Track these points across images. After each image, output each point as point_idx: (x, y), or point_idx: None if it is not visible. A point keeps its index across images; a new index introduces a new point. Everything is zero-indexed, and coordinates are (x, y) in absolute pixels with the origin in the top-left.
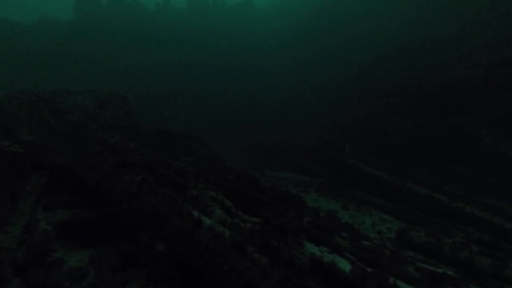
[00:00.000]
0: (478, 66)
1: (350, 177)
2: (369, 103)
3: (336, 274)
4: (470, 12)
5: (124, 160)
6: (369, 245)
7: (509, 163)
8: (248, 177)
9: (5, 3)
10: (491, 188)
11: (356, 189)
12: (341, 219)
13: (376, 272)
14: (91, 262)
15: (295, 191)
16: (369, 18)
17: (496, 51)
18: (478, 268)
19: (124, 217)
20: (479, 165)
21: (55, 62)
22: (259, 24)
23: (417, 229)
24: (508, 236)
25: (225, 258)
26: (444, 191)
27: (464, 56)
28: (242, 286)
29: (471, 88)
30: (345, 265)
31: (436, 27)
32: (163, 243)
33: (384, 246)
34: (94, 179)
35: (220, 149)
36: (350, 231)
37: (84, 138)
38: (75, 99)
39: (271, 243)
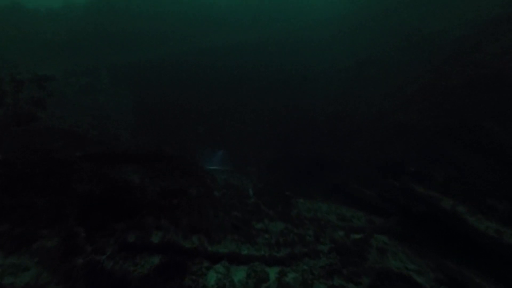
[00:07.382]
0: None
1: (447, 236)
2: (473, 96)
3: None
4: None
5: None
6: None
7: None
8: None
9: None
10: None
11: (461, 264)
12: None
13: None
14: None
15: None
16: None
17: None
18: None
19: None
20: None
21: (65, 49)
22: None
23: None
24: None
25: None
26: None
27: None
28: None
29: None
30: None
31: None
32: None
33: None
34: None
35: (245, 158)
36: None
37: None
38: None
39: None
